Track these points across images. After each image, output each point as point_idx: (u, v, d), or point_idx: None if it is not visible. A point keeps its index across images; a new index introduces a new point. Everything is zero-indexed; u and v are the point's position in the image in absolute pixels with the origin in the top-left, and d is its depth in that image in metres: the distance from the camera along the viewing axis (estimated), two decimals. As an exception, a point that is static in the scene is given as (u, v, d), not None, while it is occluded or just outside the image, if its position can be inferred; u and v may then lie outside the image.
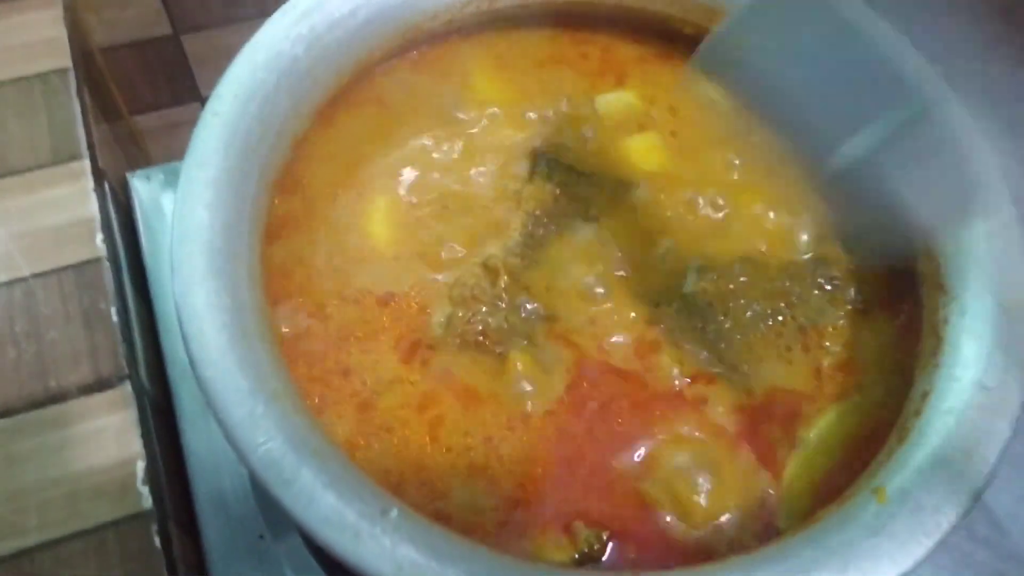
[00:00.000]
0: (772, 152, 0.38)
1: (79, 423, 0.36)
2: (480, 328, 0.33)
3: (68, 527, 0.34)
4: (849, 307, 0.35)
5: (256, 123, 0.32)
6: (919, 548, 0.26)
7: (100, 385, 0.37)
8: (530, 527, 0.30)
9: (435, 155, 0.37)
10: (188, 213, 0.29)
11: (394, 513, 0.26)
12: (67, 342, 0.38)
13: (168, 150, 0.58)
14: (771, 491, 0.31)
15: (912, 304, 0.34)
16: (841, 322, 0.35)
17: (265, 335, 0.29)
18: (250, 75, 0.32)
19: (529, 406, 0.32)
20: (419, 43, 0.38)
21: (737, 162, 0.38)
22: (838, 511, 0.28)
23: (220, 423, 0.27)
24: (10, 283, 0.39)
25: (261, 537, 0.39)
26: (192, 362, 0.27)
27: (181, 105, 0.56)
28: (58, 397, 0.37)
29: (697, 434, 0.32)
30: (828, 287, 0.36)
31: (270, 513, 0.39)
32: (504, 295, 0.34)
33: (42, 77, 0.44)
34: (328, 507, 0.25)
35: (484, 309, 0.33)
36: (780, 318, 0.35)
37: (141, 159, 0.58)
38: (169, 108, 0.58)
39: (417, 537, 0.25)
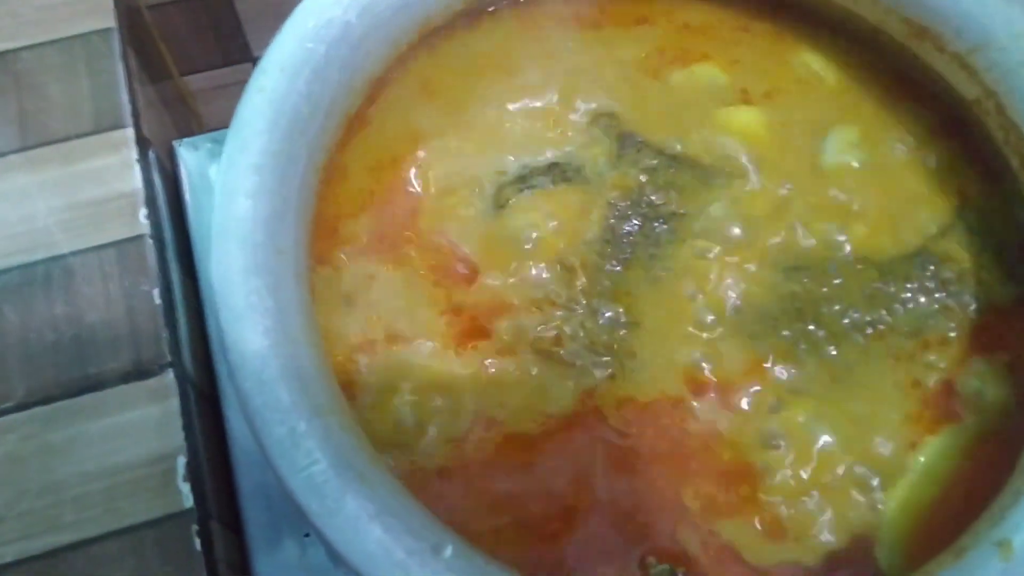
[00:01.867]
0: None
1: (118, 413, 0.34)
2: (555, 335, 0.30)
3: (104, 525, 0.32)
4: (963, 315, 0.31)
5: (304, 101, 0.29)
6: (1051, 617, 0.23)
7: (141, 373, 0.35)
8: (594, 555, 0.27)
9: (500, 135, 0.34)
10: (228, 203, 0.27)
11: (448, 552, 0.23)
12: (107, 326, 0.36)
13: (219, 111, 0.56)
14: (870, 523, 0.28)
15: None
16: (952, 334, 0.31)
17: (313, 340, 0.26)
18: (298, 45, 0.29)
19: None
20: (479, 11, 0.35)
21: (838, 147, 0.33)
22: (954, 565, 0.24)
23: (259, 442, 0.24)
24: (48, 260, 0.37)
25: (307, 535, 0.37)
26: (230, 371, 0.25)
27: (232, 65, 0.54)
28: (97, 385, 0.35)
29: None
30: (938, 293, 0.32)
31: (316, 511, 0.37)
32: (581, 298, 0.30)
33: (84, 38, 0.42)
34: (374, 541, 0.23)
35: (559, 314, 0.30)
36: (880, 327, 0.31)
37: (192, 121, 0.56)
38: (220, 68, 0.56)
39: (473, 580, 0.23)
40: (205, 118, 0.56)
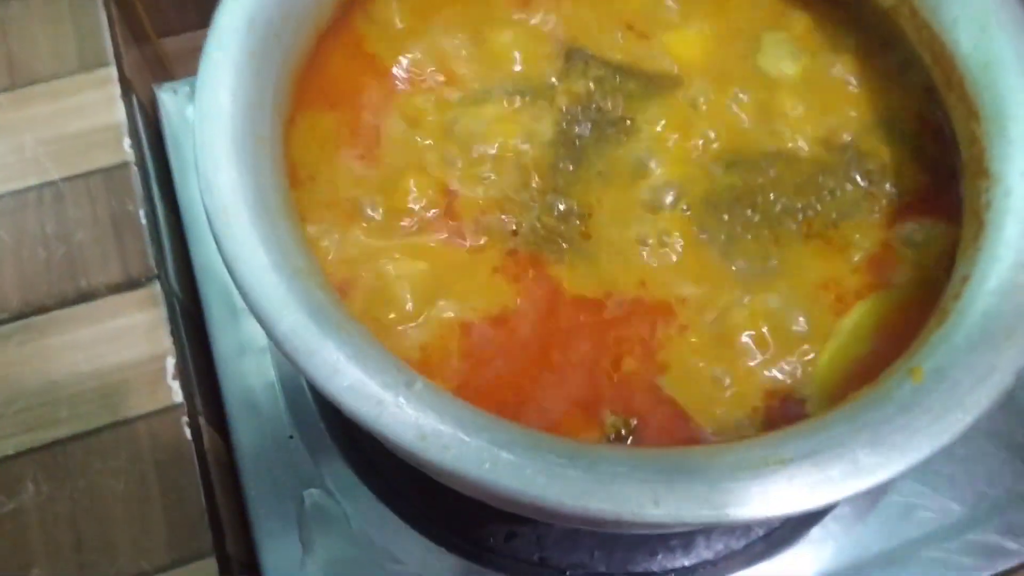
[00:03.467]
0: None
1: (109, 321, 0.37)
2: (513, 229, 0.32)
3: (99, 419, 0.35)
4: (885, 201, 0.34)
5: (277, 9, 0.31)
6: (956, 424, 0.25)
7: (129, 284, 0.37)
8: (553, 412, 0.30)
9: (463, 52, 0.36)
10: (210, 96, 0.29)
11: (418, 385, 0.26)
12: (96, 243, 0.38)
13: (195, 73, 0.58)
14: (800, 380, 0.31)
15: (951, 196, 0.33)
16: (876, 216, 0.34)
17: (288, 214, 0.29)
18: (270, -43, 0.31)
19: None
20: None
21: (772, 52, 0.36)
22: (872, 391, 0.27)
23: (245, 297, 0.26)
24: (40, 186, 0.39)
25: (291, 437, 0.39)
26: (216, 239, 0.27)
27: (208, 27, 0.55)
28: (88, 296, 0.37)
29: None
30: (863, 182, 0.35)
31: (299, 414, 0.40)
32: (536, 195, 0.33)
33: (67, -14, 0.44)
34: (352, 378, 0.25)
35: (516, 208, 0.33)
36: (811, 212, 0.34)
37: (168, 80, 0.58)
38: (196, 31, 0.58)
39: (441, 407, 0.25)
40: (180, 78, 0.58)
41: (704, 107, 0.35)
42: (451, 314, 0.31)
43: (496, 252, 0.32)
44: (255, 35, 0.30)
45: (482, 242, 0.32)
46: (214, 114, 0.29)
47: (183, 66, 0.59)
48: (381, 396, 0.25)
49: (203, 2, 0.58)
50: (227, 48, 0.30)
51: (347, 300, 0.31)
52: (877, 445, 0.25)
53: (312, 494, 0.38)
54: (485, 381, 0.30)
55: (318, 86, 0.34)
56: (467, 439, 0.25)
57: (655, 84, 0.36)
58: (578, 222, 0.33)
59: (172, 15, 0.57)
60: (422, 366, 0.30)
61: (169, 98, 0.47)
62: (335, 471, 0.39)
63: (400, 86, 0.35)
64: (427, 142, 0.34)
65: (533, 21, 0.37)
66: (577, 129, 0.35)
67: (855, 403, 0.27)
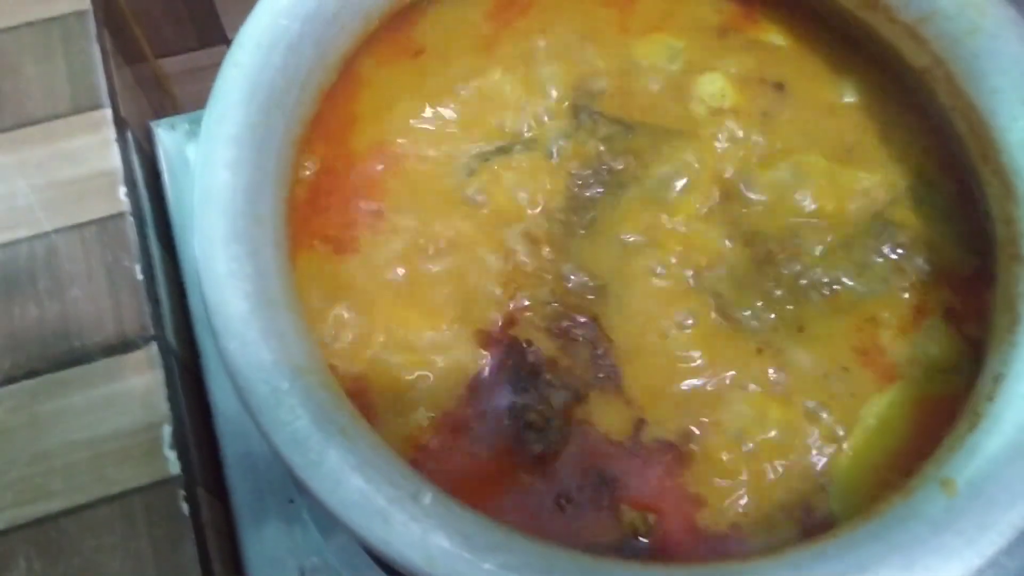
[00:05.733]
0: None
1: (104, 385, 0.35)
2: (526, 304, 0.31)
3: (93, 492, 0.33)
4: (915, 279, 0.33)
5: (280, 75, 0.30)
6: (989, 547, 0.24)
7: (125, 346, 0.36)
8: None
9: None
10: (209, 174, 0.28)
11: (427, 499, 0.24)
12: (90, 301, 0.37)
13: (195, 94, 0.56)
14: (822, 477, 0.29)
15: (986, 279, 0.31)
16: (906, 295, 0.32)
17: (291, 304, 0.27)
18: (272, 22, 0.30)
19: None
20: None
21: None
22: (902, 503, 0.26)
23: (243, 400, 0.25)
24: (31, 239, 0.38)
25: (291, 501, 0.38)
26: (215, 334, 0.26)
27: (207, 47, 0.54)
28: (82, 358, 0.36)
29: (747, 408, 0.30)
30: (893, 256, 0.33)
31: (299, 478, 0.38)
32: (548, 267, 0.32)
33: (60, 20, 0.42)
34: (356, 491, 0.24)
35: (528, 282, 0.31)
36: (836, 288, 0.32)
37: (167, 104, 0.56)
38: (195, 51, 0.56)
39: (450, 525, 0.24)
40: (180, 100, 0.57)
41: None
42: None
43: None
44: (256, 105, 0.29)
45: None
46: (213, 196, 0.27)
47: (183, 87, 0.57)
48: (387, 512, 0.24)
49: (202, 22, 0.56)
50: (227, 121, 0.28)
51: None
52: (908, 570, 0.24)
53: (313, 563, 0.37)
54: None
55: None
56: (477, 562, 0.23)
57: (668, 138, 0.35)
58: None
59: (170, 35, 0.55)
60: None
61: (167, 134, 0.45)
62: (338, 539, 0.37)
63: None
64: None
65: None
66: (588, 193, 0.34)
67: (884, 517, 0.25)
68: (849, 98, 0.36)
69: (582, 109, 0.35)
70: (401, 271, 0.31)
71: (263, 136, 0.29)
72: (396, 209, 0.32)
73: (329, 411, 0.25)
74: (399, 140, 0.33)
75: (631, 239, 0.33)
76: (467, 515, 0.25)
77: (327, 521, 0.37)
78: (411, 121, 0.34)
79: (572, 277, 0.32)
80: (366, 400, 0.29)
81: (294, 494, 0.38)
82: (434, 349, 0.30)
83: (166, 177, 0.44)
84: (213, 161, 0.28)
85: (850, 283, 0.32)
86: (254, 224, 0.27)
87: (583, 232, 0.33)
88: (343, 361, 0.30)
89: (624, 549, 0.28)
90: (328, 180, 0.32)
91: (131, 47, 0.51)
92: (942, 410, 0.30)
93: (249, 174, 0.28)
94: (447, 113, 0.34)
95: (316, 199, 0.32)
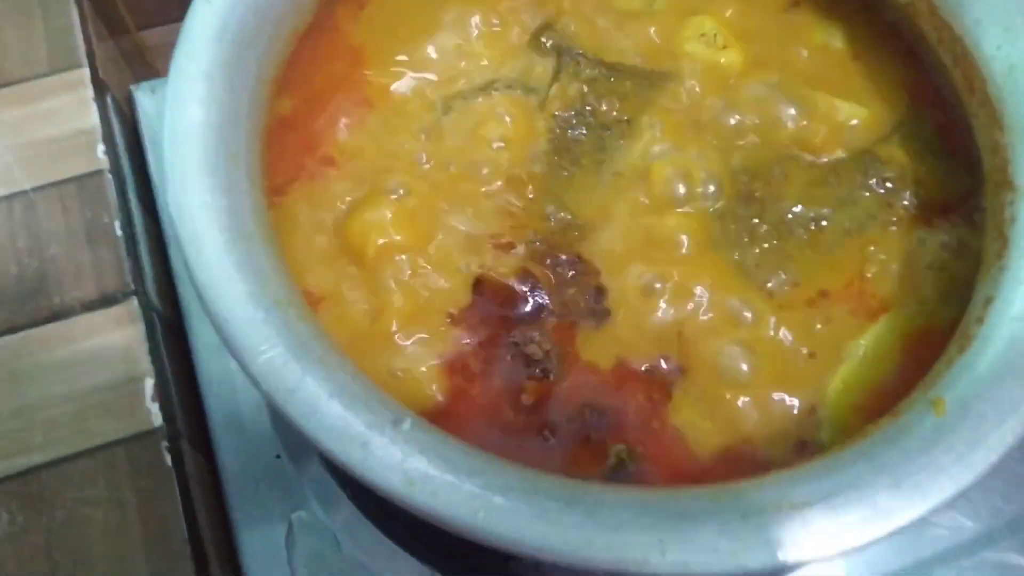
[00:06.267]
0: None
1: (84, 340, 0.35)
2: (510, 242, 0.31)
3: (75, 445, 0.33)
4: (903, 211, 0.32)
5: (251, 12, 0.29)
6: (980, 463, 0.24)
7: (105, 301, 0.36)
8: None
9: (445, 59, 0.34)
10: (180, 109, 0.27)
11: (407, 424, 0.24)
12: (70, 258, 0.36)
13: (178, 67, 0.56)
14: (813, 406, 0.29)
15: (974, 208, 0.31)
16: (893, 228, 0.32)
17: (266, 238, 0.27)
18: (244, -41, 0.29)
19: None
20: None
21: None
22: (891, 424, 0.25)
23: (218, 330, 0.25)
24: (10, 197, 0.37)
25: (278, 457, 0.38)
26: (188, 266, 0.25)
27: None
28: (62, 314, 0.35)
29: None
30: (880, 190, 0.33)
31: (287, 433, 0.38)
32: (532, 206, 0.31)
33: (38, -18, 0.42)
34: (334, 416, 0.24)
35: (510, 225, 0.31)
36: (824, 223, 0.32)
37: (151, 76, 0.56)
38: (177, 22, 0.55)
39: (431, 449, 0.23)
40: (163, 73, 0.56)
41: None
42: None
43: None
44: (227, 43, 0.28)
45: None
46: (184, 131, 0.27)
47: (165, 60, 0.57)
48: (366, 436, 0.23)
49: (185, -8, 0.56)
50: (198, 58, 0.28)
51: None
52: (897, 487, 0.23)
53: (301, 516, 0.36)
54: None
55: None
56: (458, 484, 0.23)
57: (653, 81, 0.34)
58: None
59: (152, 6, 0.55)
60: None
61: (146, 98, 0.45)
62: (324, 492, 0.37)
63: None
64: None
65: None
66: (571, 133, 0.33)
67: (873, 438, 0.25)
68: (838, 44, 0.35)
69: (565, 51, 0.34)
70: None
71: (235, 74, 0.28)
72: (370, 144, 0.32)
73: (306, 341, 0.25)
74: (377, 80, 0.33)
75: (614, 179, 0.32)
76: (448, 440, 0.24)
77: (313, 477, 0.37)
78: (387, 64, 0.33)
79: (556, 216, 0.31)
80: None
81: (280, 450, 0.38)
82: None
83: (146, 140, 0.44)
84: (184, 98, 0.27)
85: (836, 217, 0.32)
86: (228, 160, 0.27)
87: (566, 173, 0.33)
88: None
89: (610, 480, 0.27)
90: (303, 119, 0.31)
91: (112, 17, 0.51)
92: (931, 342, 0.29)
93: (221, 111, 0.28)
94: (425, 55, 0.33)
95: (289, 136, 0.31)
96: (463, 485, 0.23)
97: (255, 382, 0.24)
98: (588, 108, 0.34)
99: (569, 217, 0.32)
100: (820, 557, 0.23)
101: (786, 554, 0.23)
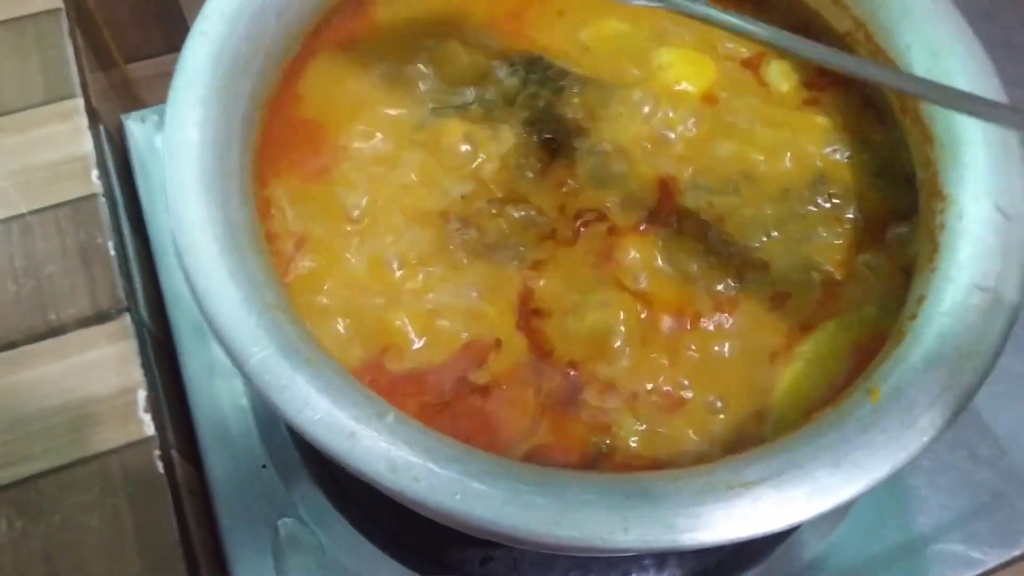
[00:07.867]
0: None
1: (79, 354, 0.36)
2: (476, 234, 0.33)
3: (71, 454, 0.34)
4: (848, 225, 0.35)
5: (244, 43, 0.32)
6: (914, 442, 0.26)
7: (99, 317, 0.37)
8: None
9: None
10: (178, 130, 0.29)
11: (390, 417, 0.26)
12: (65, 276, 0.38)
13: (163, 98, 0.58)
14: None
15: (911, 219, 0.34)
16: (838, 241, 0.35)
17: (258, 249, 0.29)
18: (236, -6, 0.32)
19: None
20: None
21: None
22: (832, 412, 0.28)
23: (215, 332, 0.27)
24: (7, 220, 0.39)
25: (264, 467, 0.39)
26: (186, 273, 0.27)
27: (174, 52, 0.55)
28: (58, 330, 0.37)
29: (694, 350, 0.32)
30: (827, 205, 0.35)
31: (272, 443, 0.40)
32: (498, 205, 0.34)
33: (34, 18, 0.44)
34: (323, 410, 0.26)
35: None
36: (775, 234, 0.35)
37: (137, 107, 0.58)
38: (162, 56, 0.58)
39: (412, 439, 0.26)
40: (148, 104, 0.58)
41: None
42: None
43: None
44: (222, 71, 0.31)
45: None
46: (182, 150, 0.29)
47: (151, 91, 0.59)
48: (353, 428, 0.25)
49: (168, 27, 0.58)
50: (194, 85, 0.30)
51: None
52: (838, 465, 0.26)
53: (286, 523, 0.38)
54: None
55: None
56: (438, 470, 0.25)
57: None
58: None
59: (138, 41, 0.57)
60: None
61: (137, 127, 0.47)
62: (309, 499, 0.39)
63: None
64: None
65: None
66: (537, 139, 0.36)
67: (816, 424, 0.27)
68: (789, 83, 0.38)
69: (536, 61, 0.37)
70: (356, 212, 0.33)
71: (228, 99, 0.31)
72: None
73: (295, 343, 0.27)
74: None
75: (576, 184, 0.35)
76: (429, 432, 0.26)
77: (297, 481, 0.39)
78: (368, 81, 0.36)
79: (519, 215, 0.34)
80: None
81: (266, 460, 0.39)
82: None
83: (136, 167, 0.46)
84: (181, 120, 0.30)
85: (785, 231, 0.35)
86: (222, 176, 0.29)
87: (531, 175, 0.35)
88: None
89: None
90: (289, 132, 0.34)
91: (101, 50, 0.53)
92: (873, 346, 0.32)
93: (216, 132, 0.30)
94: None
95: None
96: (442, 471, 0.25)
97: (249, 379, 0.26)
98: (554, 115, 0.36)
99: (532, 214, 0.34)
100: (769, 531, 0.25)
101: (737, 530, 0.25)
